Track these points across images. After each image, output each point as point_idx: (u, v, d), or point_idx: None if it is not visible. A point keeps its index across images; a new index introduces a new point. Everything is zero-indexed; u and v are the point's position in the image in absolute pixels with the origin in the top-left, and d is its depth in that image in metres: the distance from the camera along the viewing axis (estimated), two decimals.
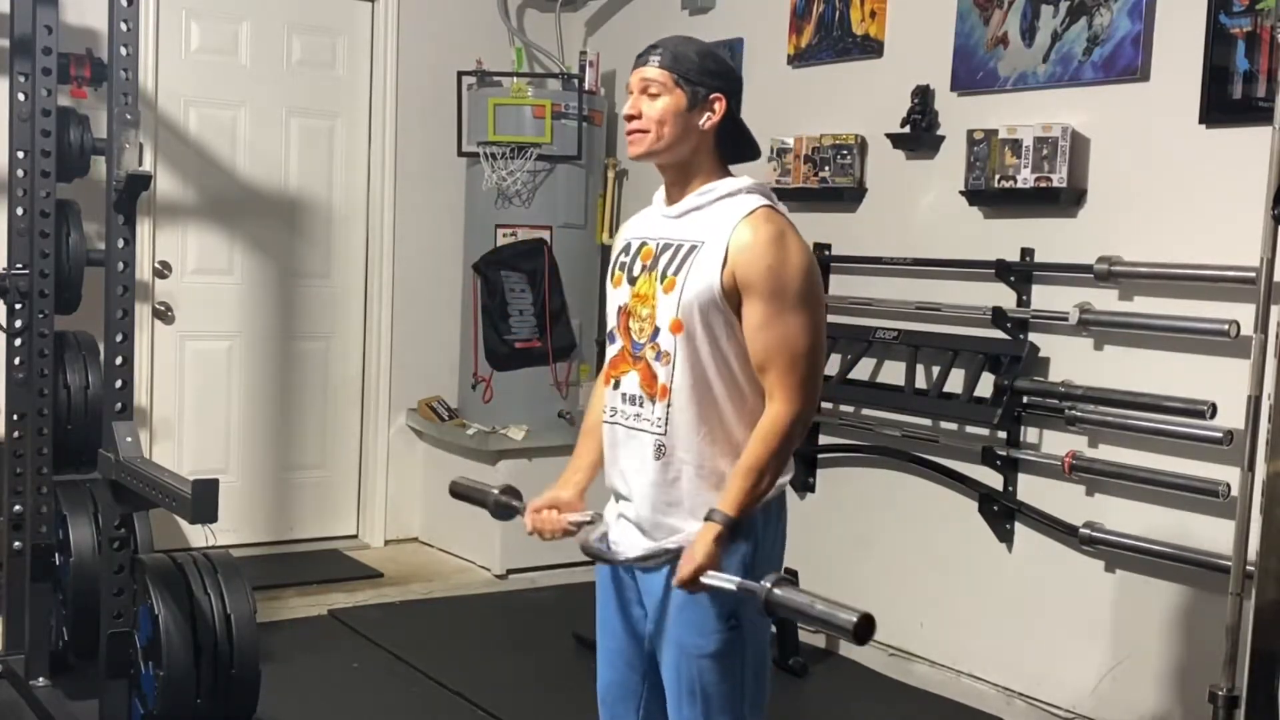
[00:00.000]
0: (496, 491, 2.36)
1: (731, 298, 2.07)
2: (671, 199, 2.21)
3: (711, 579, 1.98)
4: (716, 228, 2.10)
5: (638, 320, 2.17)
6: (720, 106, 2.15)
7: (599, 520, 2.24)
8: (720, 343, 2.09)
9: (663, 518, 2.14)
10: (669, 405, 2.11)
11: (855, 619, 1.76)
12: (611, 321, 2.24)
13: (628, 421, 2.18)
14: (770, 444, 2.06)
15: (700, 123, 2.14)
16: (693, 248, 2.11)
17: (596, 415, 2.31)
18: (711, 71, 2.15)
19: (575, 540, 2.26)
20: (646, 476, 2.14)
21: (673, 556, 2.12)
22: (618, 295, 2.23)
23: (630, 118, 2.15)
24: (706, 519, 2.05)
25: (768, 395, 2.08)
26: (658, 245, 2.18)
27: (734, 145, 2.20)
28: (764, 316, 2.05)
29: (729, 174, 2.20)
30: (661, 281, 2.13)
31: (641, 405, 2.15)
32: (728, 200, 2.14)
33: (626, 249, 2.26)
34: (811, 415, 2.12)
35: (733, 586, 1.95)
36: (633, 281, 2.20)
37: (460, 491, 2.44)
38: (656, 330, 2.13)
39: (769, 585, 1.87)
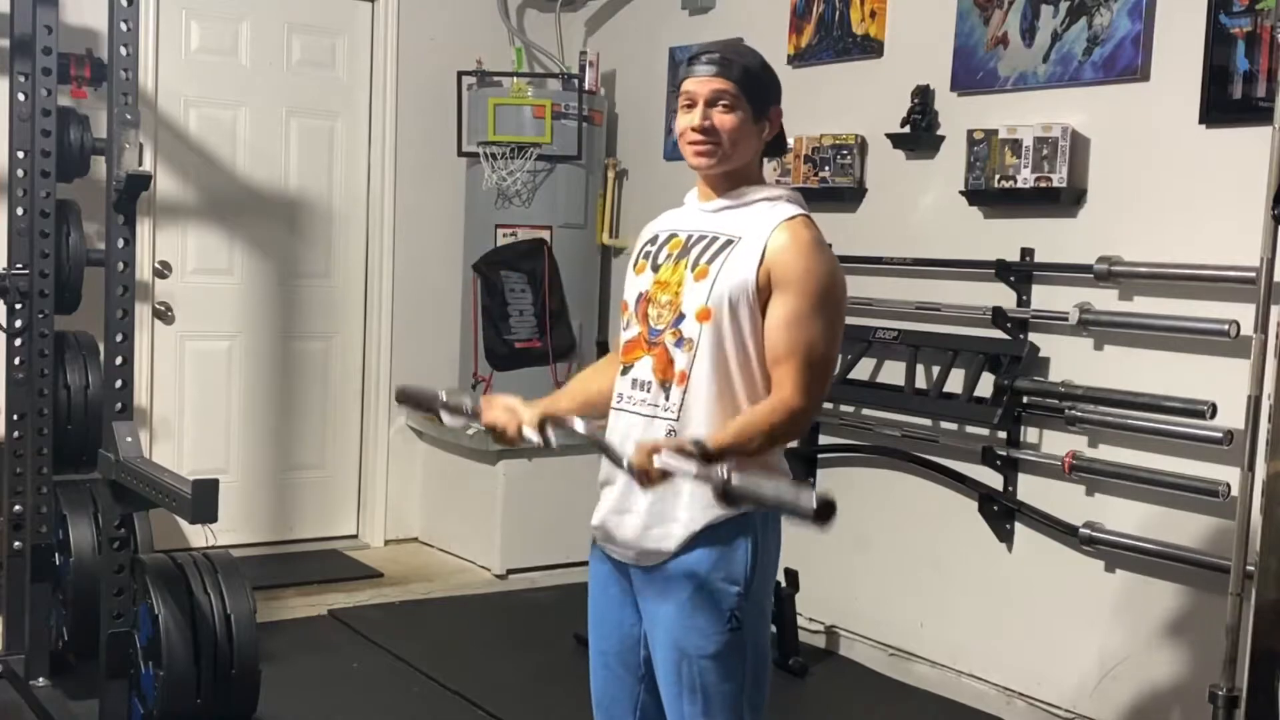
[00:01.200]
0: (444, 394, 2.23)
1: (763, 294, 2.09)
2: (707, 196, 2.23)
3: (668, 458, 1.89)
4: (755, 226, 2.12)
5: (657, 307, 2.17)
6: (778, 119, 2.21)
7: (572, 422, 2.11)
8: (744, 336, 2.10)
9: (662, 505, 2.13)
10: (686, 391, 2.11)
11: (815, 503, 1.69)
12: (630, 308, 2.25)
13: (634, 407, 2.17)
14: (771, 418, 2.05)
15: (763, 135, 2.19)
16: (729, 241, 2.14)
17: (591, 384, 2.33)
18: (771, 84, 2.20)
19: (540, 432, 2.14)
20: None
21: (669, 556, 2.12)
22: (639, 282, 2.24)
23: (699, 129, 2.14)
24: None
25: (776, 385, 2.08)
26: (689, 237, 2.20)
27: (771, 148, 2.26)
28: (792, 313, 2.06)
29: (764, 179, 2.25)
30: (692, 269, 2.14)
31: (649, 391, 2.15)
32: (766, 204, 2.17)
33: (654, 240, 2.27)
34: (811, 418, 2.13)
35: (691, 468, 1.85)
36: (656, 269, 2.21)
37: (406, 397, 2.32)
38: (680, 316, 2.13)
39: (724, 475, 1.80)
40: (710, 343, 2.10)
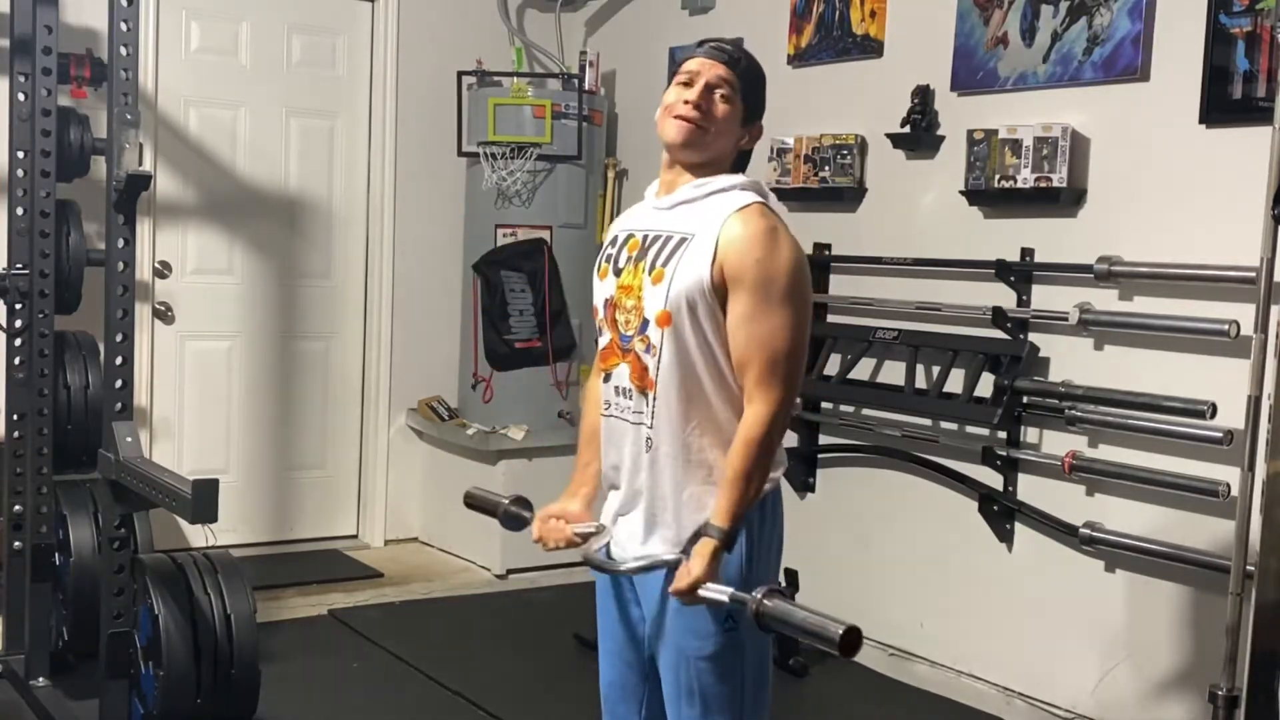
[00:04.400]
0: (507, 502, 2.37)
1: (720, 291, 2.05)
2: (665, 190, 2.20)
3: (708, 591, 2.00)
4: (707, 221, 2.08)
5: (624, 312, 2.15)
6: (758, 134, 2.20)
7: (603, 531, 2.24)
8: (707, 335, 2.07)
9: (654, 512, 2.14)
10: (655, 398, 2.10)
11: (841, 631, 1.79)
12: (599, 315, 2.23)
13: (621, 414, 2.17)
14: (752, 450, 2.04)
15: (741, 141, 2.18)
16: (682, 240, 2.10)
17: (594, 419, 2.31)
18: (763, 100, 2.21)
19: (579, 551, 2.26)
20: (640, 468, 2.14)
21: (670, 565, 2.12)
22: (603, 288, 2.22)
23: (693, 105, 2.10)
24: (702, 533, 2.04)
25: (746, 398, 2.06)
26: (645, 237, 2.16)
27: (736, 161, 2.23)
28: (749, 310, 2.03)
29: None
30: (650, 273, 2.11)
31: (631, 398, 2.15)
32: (720, 195, 2.12)
33: (614, 241, 2.24)
34: (790, 410, 2.09)
35: (725, 598, 1.97)
36: (618, 274, 2.18)
37: (474, 502, 2.46)
38: (645, 323, 2.11)
39: (759, 597, 1.88)
40: (673, 347, 2.07)
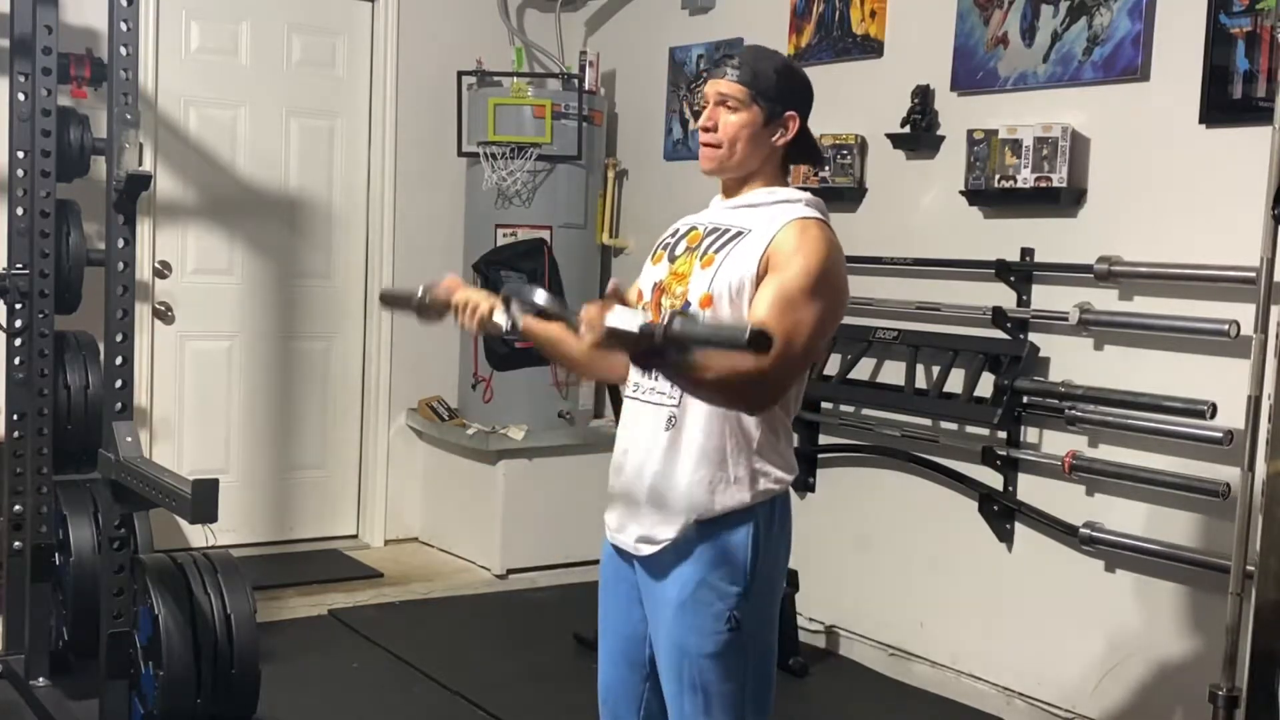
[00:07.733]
0: (421, 290, 2.19)
1: (762, 282, 2.09)
2: (728, 195, 2.25)
3: (620, 313, 1.82)
4: (767, 221, 2.13)
5: (670, 296, 2.19)
6: (794, 125, 2.20)
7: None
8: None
9: (661, 492, 2.14)
10: None
11: (749, 330, 1.71)
12: (643, 299, 2.26)
13: (645, 395, 2.19)
14: (736, 360, 1.90)
15: (774, 140, 2.19)
16: (739, 233, 2.15)
17: None
18: (788, 90, 2.19)
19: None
20: (655, 449, 2.15)
21: (669, 546, 2.12)
22: (655, 272, 2.26)
23: (706, 129, 2.18)
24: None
25: None
26: (706, 229, 2.22)
27: (799, 154, 2.25)
28: (780, 292, 2.04)
29: (787, 183, 2.25)
30: (701, 259, 2.16)
31: (658, 379, 2.16)
32: (785, 204, 2.17)
33: (674, 233, 2.29)
34: (768, 395, 2.03)
35: (634, 326, 1.81)
36: (673, 260, 2.23)
37: (389, 298, 2.30)
38: (687, 304, 2.15)
39: (666, 320, 1.79)
40: None
